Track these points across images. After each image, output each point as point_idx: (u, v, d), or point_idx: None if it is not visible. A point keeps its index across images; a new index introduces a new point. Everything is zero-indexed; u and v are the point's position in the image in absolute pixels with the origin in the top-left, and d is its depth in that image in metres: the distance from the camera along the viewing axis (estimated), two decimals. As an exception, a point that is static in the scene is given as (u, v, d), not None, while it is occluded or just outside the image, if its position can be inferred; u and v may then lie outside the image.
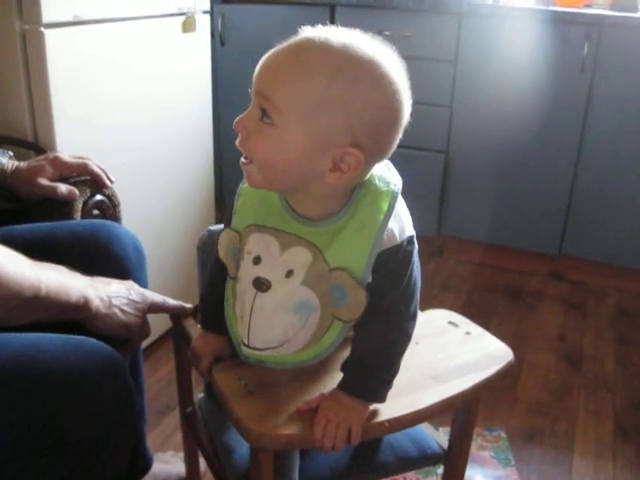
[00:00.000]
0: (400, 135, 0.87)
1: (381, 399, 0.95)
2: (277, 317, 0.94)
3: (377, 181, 0.91)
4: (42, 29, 1.47)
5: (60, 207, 1.36)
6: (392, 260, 0.90)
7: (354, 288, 0.89)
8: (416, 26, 2.59)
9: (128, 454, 1.06)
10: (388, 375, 0.95)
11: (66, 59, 1.54)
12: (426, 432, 1.23)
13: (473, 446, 1.57)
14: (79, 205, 1.37)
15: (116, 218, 1.45)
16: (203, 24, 2.04)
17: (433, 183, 2.73)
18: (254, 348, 0.98)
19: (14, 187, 1.35)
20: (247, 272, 0.95)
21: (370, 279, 0.90)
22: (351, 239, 0.89)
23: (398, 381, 1.02)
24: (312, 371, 1.01)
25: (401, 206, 0.92)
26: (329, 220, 0.90)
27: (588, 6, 2.63)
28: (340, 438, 0.92)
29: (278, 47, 0.84)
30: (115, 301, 1.09)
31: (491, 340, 1.14)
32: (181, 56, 1.96)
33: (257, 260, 0.93)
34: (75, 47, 1.56)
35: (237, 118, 0.86)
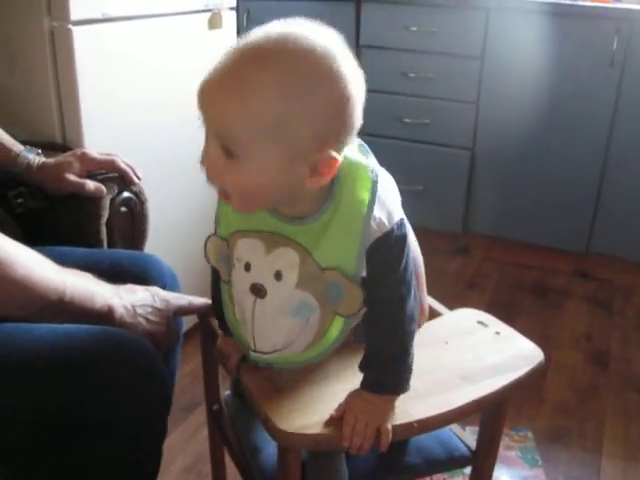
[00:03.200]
0: (360, 109, 0.82)
1: (404, 389, 0.94)
2: (278, 321, 0.93)
3: (355, 169, 0.87)
4: (70, 26, 1.47)
5: (87, 204, 1.36)
6: (385, 247, 0.87)
7: (348, 285, 0.88)
8: (443, 22, 2.57)
9: (162, 441, 1.07)
10: (406, 363, 0.94)
11: (94, 56, 1.54)
12: (453, 433, 1.22)
13: (500, 446, 1.55)
14: (107, 202, 1.37)
15: (143, 215, 1.45)
16: (229, 20, 2.03)
17: (459, 180, 2.71)
18: (261, 352, 0.98)
19: (41, 183, 1.35)
20: (241, 279, 0.94)
21: (364, 272, 0.88)
22: (338, 237, 0.87)
23: (427, 381, 1.01)
24: (340, 370, 1.01)
25: (385, 190, 0.89)
26: (312, 217, 0.88)
27: (618, 0, 2.59)
28: (369, 436, 0.91)
29: (215, 72, 0.79)
30: (140, 310, 1.09)
31: (521, 340, 1.13)
32: (207, 53, 1.96)
33: (248, 267, 0.92)
34: (103, 44, 1.57)
35: (202, 156, 0.85)
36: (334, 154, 0.81)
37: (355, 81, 0.80)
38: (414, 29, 2.58)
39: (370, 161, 0.90)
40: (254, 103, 0.76)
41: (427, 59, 2.62)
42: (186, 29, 1.86)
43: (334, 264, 0.88)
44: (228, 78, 0.78)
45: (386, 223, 0.87)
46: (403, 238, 0.89)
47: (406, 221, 0.91)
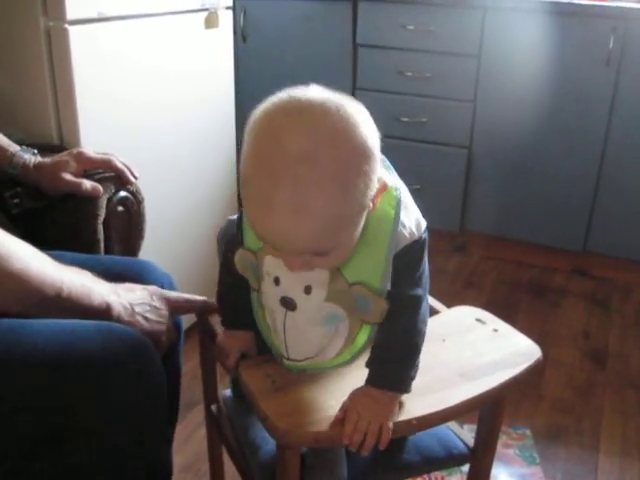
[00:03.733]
0: None
1: (408, 388, 0.96)
2: (309, 331, 0.96)
3: (380, 188, 0.89)
4: (66, 26, 1.47)
5: (84, 204, 1.36)
6: (412, 252, 0.92)
7: (374, 299, 0.91)
8: (440, 20, 2.57)
9: (158, 441, 1.08)
10: (414, 362, 0.96)
11: (90, 56, 1.54)
12: (452, 431, 1.22)
13: (498, 444, 1.55)
14: (103, 202, 1.37)
15: (140, 214, 1.45)
16: (226, 20, 2.03)
17: (456, 178, 2.71)
18: (294, 360, 0.99)
19: (37, 182, 1.35)
20: (271, 292, 0.96)
21: (389, 286, 0.91)
22: (365, 254, 0.90)
23: (425, 379, 1.01)
24: (339, 368, 1.01)
25: (408, 200, 0.93)
26: None
27: (614, -1, 2.60)
28: (371, 434, 0.91)
29: (264, 197, 0.78)
30: (138, 309, 1.08)
31: (519, 338, 1.13)
32: (204, 53, 1.96)
33: (277, 281, 0.94)
34: (99, 44, 1.57)
35: (289, 263, 0.86)
36: (378, 184, 0.85)
37: (373, 131, 0.84)
38: (411, 28, 2.58)
39: (393, 177, 0.93)
40: (321, 224, 0.78)
41: (424, 58, 2.62)
42: (182, 28, 1.86)
43: (360, 279, 0.91)
44: (285, 211, 0.77)
45: (415, 232, 0.91)
46: (425, 242, 0.93)
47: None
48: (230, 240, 1.04)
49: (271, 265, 0.94)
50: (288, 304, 0.94)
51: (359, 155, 0.80)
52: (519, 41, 2.49)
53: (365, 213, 0.85)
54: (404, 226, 0.90)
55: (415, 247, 0.91)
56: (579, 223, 2.62)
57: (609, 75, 2.42)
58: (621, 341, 2.29)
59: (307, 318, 0.94)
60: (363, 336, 0.96)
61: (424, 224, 0.94)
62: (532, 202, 2.66)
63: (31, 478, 0.98)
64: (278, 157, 0.77)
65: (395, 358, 0.95)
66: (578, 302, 2.54)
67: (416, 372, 0.96)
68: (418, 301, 0.94)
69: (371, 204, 0.85)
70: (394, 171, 0.95)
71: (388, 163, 0.95)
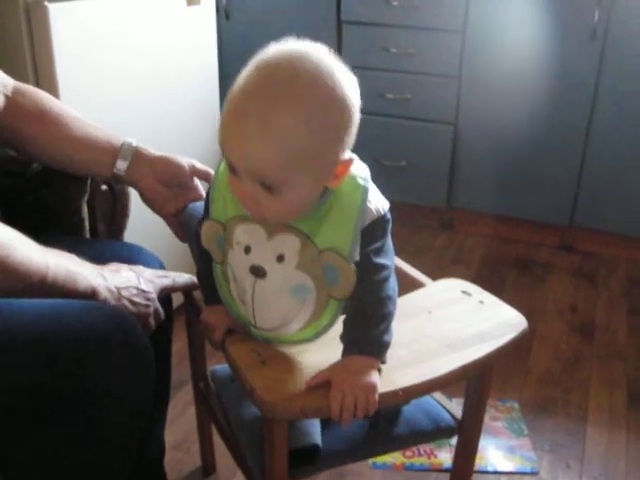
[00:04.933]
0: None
1: (384, 353, 0.98)
2: (277, 301, 0.98)
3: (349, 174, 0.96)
4: (46, 3, 1.46)
5: (67, 183, 1.34)
6: (377, 227, 0.97)
7: (343, 266, 0.94)
8: (423, -4, 2.56)
9: (149, 417, 1.08)
10: (387, 326, 0.98)
11: (70, 33, 1.52)
12: (439, 404, 1.23)
13: (486, 417, 1.56)
14: (87, 181, 1.36)
15: (124, 193, 1.44)
16: (208, -3, 2.01)
17: (442, 155, 2.70)
18: (261, 328, 1.02)
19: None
20: (241, 261, 0.99)
21: (358, 256, 0.95)
22: (336, 222, 0.95)
23: (412, 350, 1.02)
24: (326, 340, 1.01)
25: (373, 186, 0.99)
26: (313, 208, 0.94)
27: (598, -28, 2.59)
28: (360, 408, 0.92)
29: (236, 113, 0.85)
30: (124, 292, 1.08)
31: (504, 309, 1.14)
32: (186, 30, 1.94)
33: (247, 249, 0.97)
34: (79, 21, 1.55)
35: (241, 195, 0.91)
36: (348, 156, 0.91)
37: (354, 92, 0.89)
38: (395, 4, 2.56)
39: (360, 168, 0.99)
40: (283, 146, 0.84)
41: (408, 34, 2.60)
42: (164, 5, 1.83)
43: (331, 245, 0.94)
44: (253, 122, 0.83)
45: (381, 209, 0.97)
46: (389, 222, 0.99)
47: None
48: (201, 219, 1.06)
49: (242, 234, 0.98)
50: (258, 272, 0.97)
51: (334, 103, 0.86)
52: (503, 16, 2.47)
53: (324, 173, 0.90)
54: (370, 202, 0.95)
55: (380, 222, 0.97)
56: (565, 198, 2.63)
57: (594, 49, 2.41)
58: (608, 314, 2.30)
59: (276, 287, 0.97)
60: (328, 314, 0.99)
61: (387, 205, 0.99)
62: (518, 178, 2.66)
63: (18, 457, 0.98)
64: (260, 79, 0.85)
65: (368, 325, 0.97)
66: (565, 276, 2.55)
67: (391, 337, 0.98)
68: (384, 268, 0.97)
69: (335, 176, 0.91)
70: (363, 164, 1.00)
71: (355, 156, 0.98)
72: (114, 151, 1.25)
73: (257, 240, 0.96)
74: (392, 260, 1.00)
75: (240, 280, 1.00)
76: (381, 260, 0.97)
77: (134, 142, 1.27)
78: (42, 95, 1.26)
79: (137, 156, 1.26)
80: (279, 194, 0.87)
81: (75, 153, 1.24)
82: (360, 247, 0.95)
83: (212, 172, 1.27)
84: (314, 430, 1.10)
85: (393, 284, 0.99)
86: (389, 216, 0.98)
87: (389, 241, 1.00)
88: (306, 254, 0.95)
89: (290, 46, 0.88)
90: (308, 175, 0.87)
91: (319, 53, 0.87)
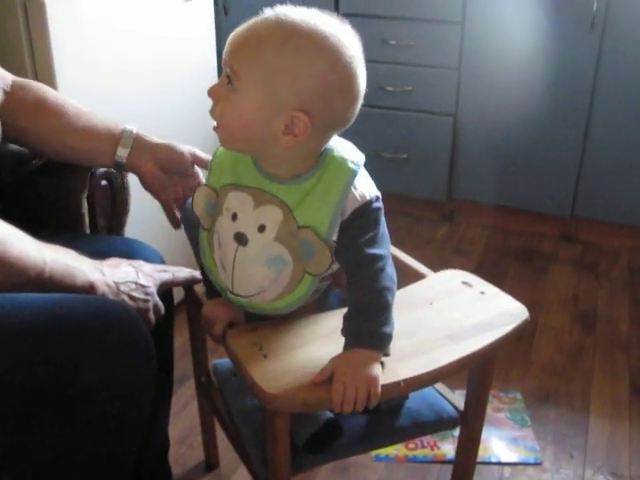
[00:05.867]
0: (356, 106, 0.95)
1: (386, 345, 0.97)
2: (255, 269, 1.01)
3: (341, 154, 0.99)
4: (43, -1, 1.45)
5: (67, 179, 1.34)
6: (364, 215, 0.97)
7: (319, 245, 0.96)
8: (421, -13, 2.55)
9: (149, 408, 1.07)
10: (387, 317, 0.97)
11: (68, 29, 1.52)
12: (442, 395, 1.23)
13: (489, 408, 1.56)
14: (87, 176, 1.36)
15: (124, 188, 1.43)
16: (205, -9, 2.01)
17: (442, 147, 2.70)
18: (238, 295, 1.05)
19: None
20: (227, 227, 1.02)
21: (335, 237, 0.97)
22: (317, 201, 0.97)
23: (413, 341, 1.02)
24: (327, 333, 1.01)
25: (363, 174, 1.00)
26: (297, 180, 0.98)
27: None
28: (360, 400, 0.92)
29: (239, 28, 0.93)
30: (123, 287, 1.07)
31: (506, 299, 1.14)
32: (183, 25, 1.94)
33: (234, 217, 1.01)
34: (77, 16, 1.55)
35: (210, 86, 0.96)
36: (307, 120, 0.91)
37: (353, 73, 0.93)
38: (393, -4, 2.56)
39: (356, 153, 1.01)
40: (258, 50, 0.90)
41: (407, 26, 2.59)
42: (161, 0, 1.83)
43: (309, 223, 0.97)
44: (248, 28, 0.92)
45: (366, 195, 0.97)
46: (379, 210, 0.99)
47: (381, 199, 1.01)
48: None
49: (233, 201, 1.02)
50: (241, 239, 1.00)
51: (327, 58, 0.91)
52: (502, 7, 2.46)
53: (274, 105, 0.92)
54: (355, 188, 0.97)
55: (367, 210, 0.97)
56: (566, 189, 2.62)
57: (593, 39, 2.40)
58: (609, 304, 2.30)
59: (255, 255, 1.00)
60: (302, 288, 1.01)
61: (376, 193, 1.00)
62: (519, 168, 2.66)
63: (23, 453, 0.98)
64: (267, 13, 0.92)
65: (368, 317, 0.96)
66: (566, 267, 2.55)
67: (392, 329, 0.97)
68: (380, 259, 0.97)
69: (289, 133, 0.92)
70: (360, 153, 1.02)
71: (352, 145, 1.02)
72: (115, 139, 1.26)
73: (244, 208, 1.00)
74: (387, 249, 1.00)
75: (224, 246, 1.03)
76: (375, 250, 0.97)
77: (134, 129, 1.28)
78: (41, 87, 1.27)
79: (138, 143, 1.27)
80: (233, 92, 0.92)
81: (76, 143, 1.25)
82: (351, 238, 0.97)
83: None
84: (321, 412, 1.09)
85: (391, 274, 0.99)
86: (379, 204, 0.99)
87: (383, 230, 1.00)
88: (285, 227, 0.98)
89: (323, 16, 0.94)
90: (260, 90, 0.91)
91: (348, 33, 0.94)
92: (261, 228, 0.99)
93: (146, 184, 1.30)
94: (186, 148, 1.30)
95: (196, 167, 1.32)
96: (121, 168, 1.29)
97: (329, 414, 1.07)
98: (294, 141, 0.93)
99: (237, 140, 0.99)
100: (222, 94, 0.94)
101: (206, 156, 1.30)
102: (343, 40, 0.91)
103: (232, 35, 0.93)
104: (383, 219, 1.00)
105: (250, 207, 0.99)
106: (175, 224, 1.33)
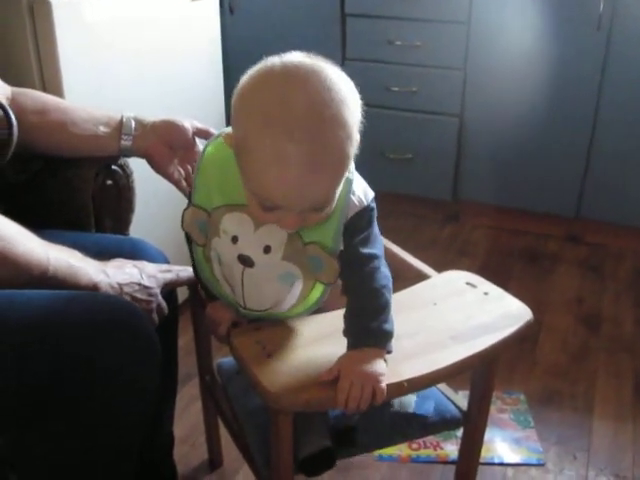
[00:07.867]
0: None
1: (388, 341, 0.97)
2: (266, 287, 1.01)
3: None
4: (50, 0, 1.45)
5: (73, 179, 1.35)
6: (362, 218, 0.99)
7: (327, 259, 0.97)
8: (427, -13, 2.55)
9: (153, 400, 1.08)
10: (387, 316, 0.98)
11: (75, 31, 1.53)
12: (445, 396, 1.23)
13: (492, 409, 1.56)
14: (92, 176, 1.36)
15: (129, 188, 1.44)
16: (211, -9, 2.01)
17: (447, 147, 2.70)
18: (251, 309, 1.05)
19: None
20: (228, 250, 1.01)
21: (342, 246, 0.98)
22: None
23: (417, 342, 1.02)
24: (330, 333, 1.01)
25: (356, 177, 0.99)
26: None
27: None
28: (365, 398, 0.92)
29: (279, 157, 0.83)
30: (126, 289, 1.08)
31: (509, 300, 1.14)
32: (190, 25, 1.94)
33: (235, 239, 0.99)
34: (83, 18, 1.55)
35: (285, 224, 0.91)
36: None
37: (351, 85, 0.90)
38: (399, -4, 2.56)
39: None
40: (339, 170, 0.88)
41: (413, 26, 2.60)
42: (167, 0, 1.83)
43: (315, 239, 0.97)
44: (301, 166, 0.83)
45: (364, 200, 0.99)
46: (373, 211, 1.01)
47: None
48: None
49: (230, 224, 0.99)
50: (245, 261, 0.99)
51: (350, 106, 0.86)
52: (508, 6, 2.46)
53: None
54: (354, 194, 0.97)
55: (364, 213, 0.98)
56: (572, 189, 2.62)
57: (600, 40, 2.40)
58: (614, 306, 2.29)
59: (265, 275, 1.00)
60: (316, 293, 1.02)
61: (371, 194, 1.00)
62: (524, 169, 2.66)
63: (30, 445, 0.98)
64: (284, 114, 0.82)
65: (369, 316, 0.97)
66: (571, 268, 2.54)
67: (392, 325, 0.98)
68: (375, 258, 0.99)
69: None
70: None
71: None
72: (116, 126, 1.28)
73: (244, 231, 0.98)
74: (381, 249, 1.02)
75: (228, 266, 1.02)
76: (369, 250, 0.98)
77: (132, 114, 1.31)
78: (40, 92, 1.32)
79: (140, 125, 1.30)
80: (319, 210, 0.91)
81: (80, 135, 1.27)
82: (346, 240, 0.98)
83: (213, 130, 1.31)
84: (322, 432, 1.09)
85: (385, 272, 1.00)
86: (373, 205, 1.00)
87: (375, 230, 1.01)
88: (291, 246, 0.97)
89: (296, 63, 0.86)
90: (341, 180, 0.90)
91: (314, 66, 0.86)
92: (266, 249, 0.98)
93: (155, 164, 1.32)
94: (187, 120, 1.33)
95: (197, 141, 1.34)
96: (128, 153, 1.31)
97: (329, 442, 1.08)
98: None
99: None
100: (309, 217, 0.91)
101: (205, 127, 1.33)
102: (342, 79, 0.88)
103: (294, 187, 0.85)
104: (375, 219, 1.02)
105: (250, 229, 0.98)
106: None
